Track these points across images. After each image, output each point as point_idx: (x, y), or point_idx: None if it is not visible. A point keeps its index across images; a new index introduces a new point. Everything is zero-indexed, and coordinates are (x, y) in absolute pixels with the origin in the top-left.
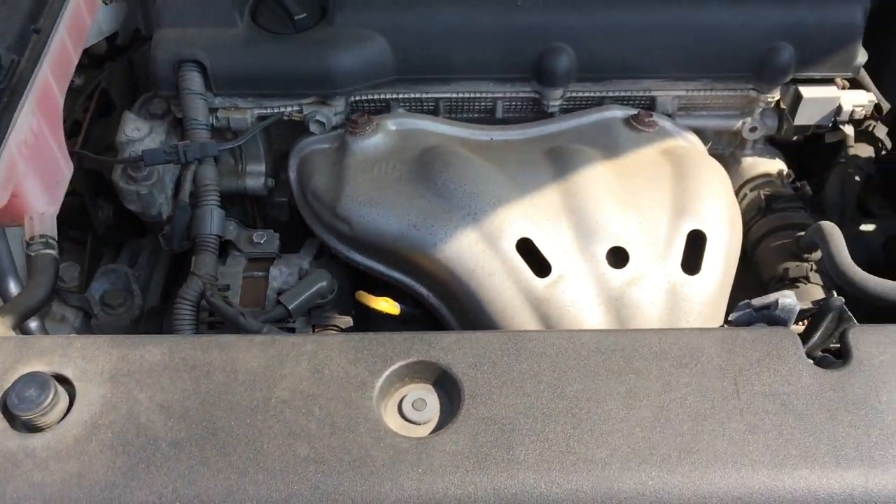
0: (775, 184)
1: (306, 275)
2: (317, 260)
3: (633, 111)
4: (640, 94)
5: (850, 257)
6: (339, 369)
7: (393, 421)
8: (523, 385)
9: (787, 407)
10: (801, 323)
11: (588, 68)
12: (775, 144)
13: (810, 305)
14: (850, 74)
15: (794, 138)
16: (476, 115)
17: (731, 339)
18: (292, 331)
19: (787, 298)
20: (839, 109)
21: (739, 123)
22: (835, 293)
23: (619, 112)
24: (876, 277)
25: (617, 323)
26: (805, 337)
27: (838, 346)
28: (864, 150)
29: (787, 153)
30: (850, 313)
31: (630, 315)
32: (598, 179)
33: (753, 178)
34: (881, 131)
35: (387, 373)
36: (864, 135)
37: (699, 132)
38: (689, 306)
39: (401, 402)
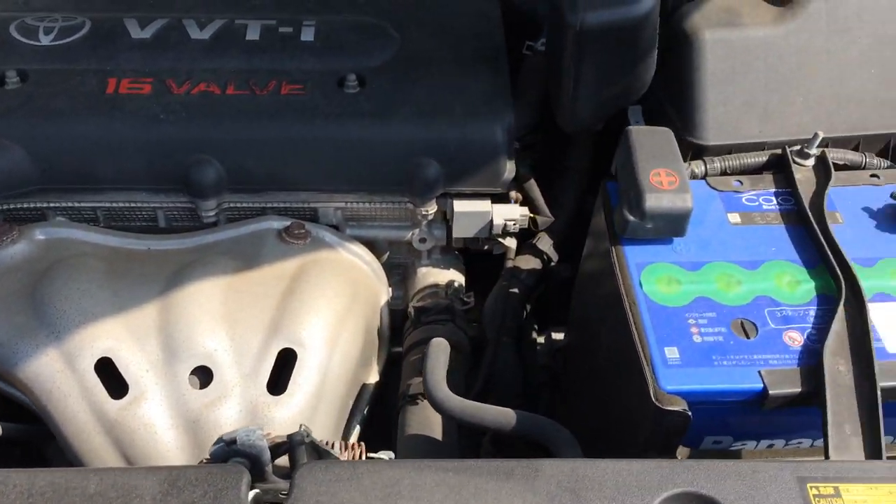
0: (438, 295)
1: None
2: None
3: (289, 222)
4: (300, 205)
5: (442, 376)
6: None
7: None
8: None
9: None
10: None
11: (238, 180)
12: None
13: (279, 440)
14: (499, 189)
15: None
16: (141, 224)
17: (174, 478)
18: None
19: (248, 433)
20: (491, 223)
21: (409, 234)
22: (303, 428)
23: (275, 223)
24: (460, 399)
25: (195, 445)
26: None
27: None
28: (527, 263)
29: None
30: (307, 448)
31: (208, 437)
32: (202, 296)
33: (422, 289)
34: (545, 244)
35: None
36: (529, 247)
37: (372, 243)
38: (270, 427)
39: None
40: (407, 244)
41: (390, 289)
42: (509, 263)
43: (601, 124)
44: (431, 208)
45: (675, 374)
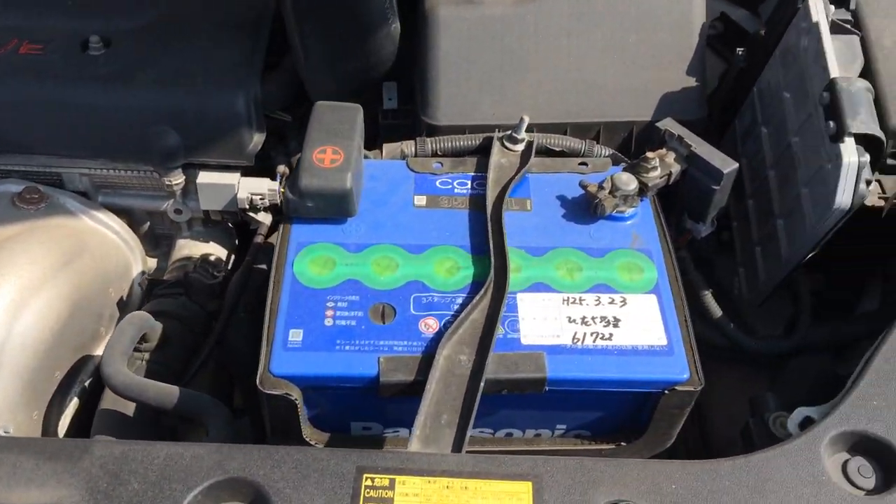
0: (186, 268)
1: None
2: None
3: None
4: (41, 169)
5: (120, 351)
6: None
7: None
8: None
9: None
10: None
11: None
12: None
13: None
14: (244, 162)
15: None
16: None
17: None
18: None
19: None
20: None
21: (165, 205)
22: None
23: (13, 187)
24: (126, 374)
25: None
26: None
27: None
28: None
29: None
30: None
31: None
32: None
33: (175, 262)
34: None
35: None
36: None
37: (129, 212)
38: None
39: None
40: (166, 215)
41: (155, 260)
42: (259, 239)
43: (353, 100)
44: (177, 179)
45: (290, 358)
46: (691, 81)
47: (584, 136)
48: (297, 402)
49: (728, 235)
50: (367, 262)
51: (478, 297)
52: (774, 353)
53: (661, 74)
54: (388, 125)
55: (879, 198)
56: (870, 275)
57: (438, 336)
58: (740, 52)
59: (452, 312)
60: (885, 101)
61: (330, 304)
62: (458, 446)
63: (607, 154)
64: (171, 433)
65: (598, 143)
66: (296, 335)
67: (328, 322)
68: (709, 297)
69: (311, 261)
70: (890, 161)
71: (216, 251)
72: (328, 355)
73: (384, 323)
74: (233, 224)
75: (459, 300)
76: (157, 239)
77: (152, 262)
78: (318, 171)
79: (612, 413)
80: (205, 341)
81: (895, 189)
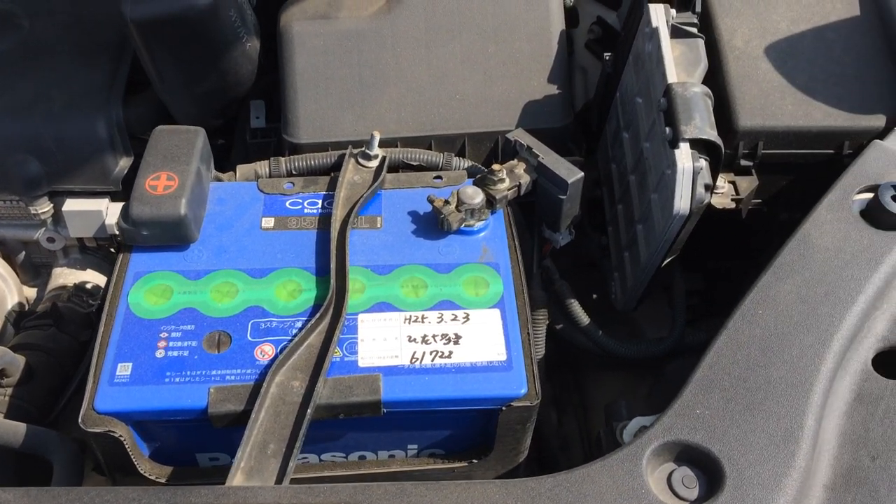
0: (61, 297)
1: None
2: None
3: None
4: None
5: None
6: None
7: None
8: None
9: None
10: None
11: None
12: None
13: None
14: (111, 187)
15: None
16: None
17: None
18: None
19: None
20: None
21: (37, 234)
22: None
23: None
24: None
25: None
26: None
27: None
28: None
29: None
30: None
31: None
32: None
33: (50, 291)
34: None
35: None
36: None
37: (2, 242)
38: None
39: None
40: (39, 244)
41: (35, 290)
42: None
43: (219, 120)
44: (43, 207)
45: (115, 394)
46: (553, 89)
47: (449, 148)
48: (122, 439)
49: (606, 240)
50: (206, 289)
51: (314, 321)
52: (646, 357)
53: (523, 83)
54: (258, 144)
55: (732, 199)
56: (745, 273)
57: (271, 363)
58: (607, 57)
59: (290, 337)
60: (734, 103)
61: (163, 335)
62: (281, 477)
63: (466, 167)
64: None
65: (465, 154)
66: (124, 369)
67: (160, 354)
68: (575, 305)
69: (148, 290)
70: (744, 162)
71: (94, 278)
72: (156, 388)
73: (219, 352)
74: (115, 250)
75: (299, 324)
76: (35, 268)
77: (31, 293)
78: (149, 199)
79: (460, 431)
80: (75, 373)
81: (750, 189)
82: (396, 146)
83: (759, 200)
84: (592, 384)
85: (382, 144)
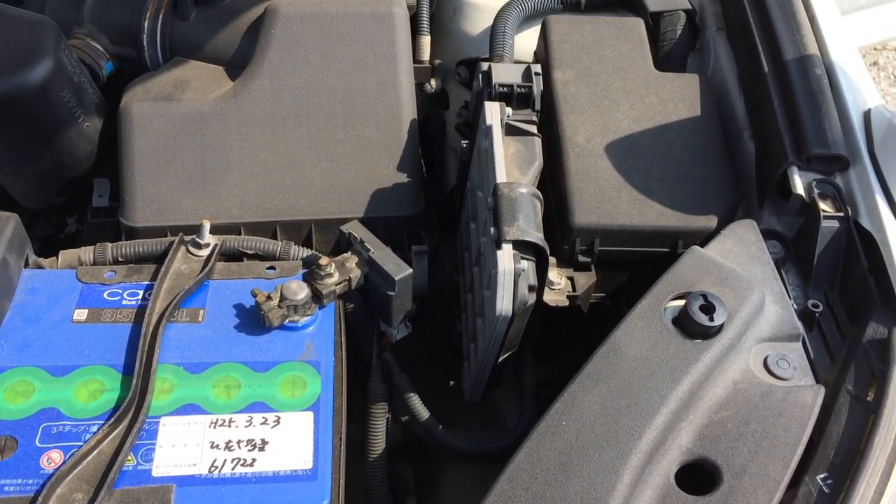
0: None
1: None
2: None
3: None
4: None
5: None
6: None
7: None
8: None
9: None
10: None
11: None
12: None
13: None
14: None
15: None
16: None
17: None
18: None
19: None
20: None
21: None
22: None
23: None
24: None
25: None
26: None
27: None
28: None
29: None
30: None
31: None
32: None
33: None
34: None
35: None
36: None
37: None
38: None
39: None
40: None
41: None
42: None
43: (61, 199)
44: None
45: None
46: (403, 177)
47: (295, 234)
48: None
49: (460, 328)
50: (1, 388)
51: (109, 425)
52: (490, 452)
53: (372, 170)
54: (99, 224)
55: (568, 296)
56: None
57: (56, 473)
58: (464, 145)
59: (83, 443)
60: (571, 200)
61: None
62: None
63: (303, 256)
64: None
65: (312, 242)
66: None
67: None
68: (414, 399)
69: None
70: (582, 258)
71: None
72: None
73: (2, 459)
74: None
75: (94, 428)
76: None
77: None
78: None
79: None
80: None
81: (588, 285)
82: (240, 232)
83: (602, 294)
84: (449, 473)
85: (224, 230)
